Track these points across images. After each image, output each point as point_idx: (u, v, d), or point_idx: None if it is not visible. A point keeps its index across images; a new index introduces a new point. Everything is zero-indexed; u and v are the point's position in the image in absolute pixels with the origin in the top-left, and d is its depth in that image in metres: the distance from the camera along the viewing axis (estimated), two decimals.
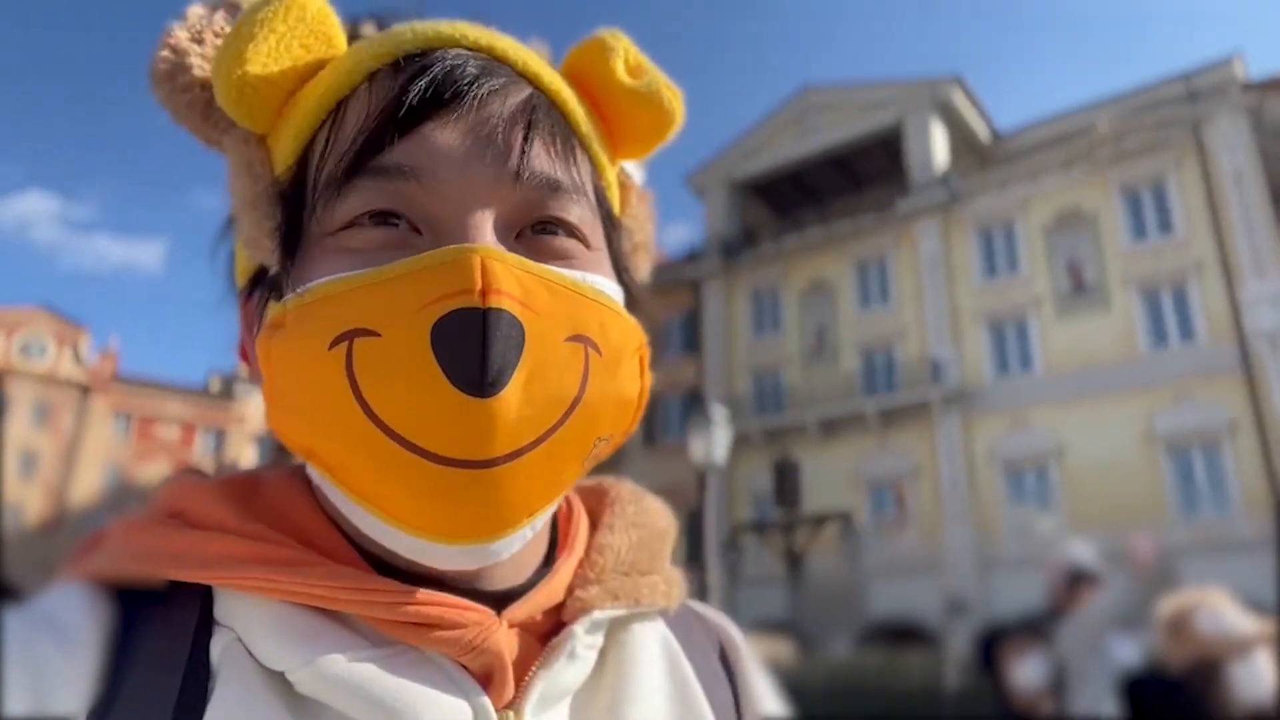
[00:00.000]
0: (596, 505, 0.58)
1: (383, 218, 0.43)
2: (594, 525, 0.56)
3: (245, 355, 0.53)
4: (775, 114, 28.96)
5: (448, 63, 0.44)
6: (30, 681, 0.39)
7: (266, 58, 0.43)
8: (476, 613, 0.45)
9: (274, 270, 0.46)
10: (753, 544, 20.38)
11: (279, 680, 0.42)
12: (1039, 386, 22.13)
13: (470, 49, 0.45)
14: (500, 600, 0.47)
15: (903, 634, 20.55)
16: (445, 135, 0.43)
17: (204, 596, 0.44)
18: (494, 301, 0.40)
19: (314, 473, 0.48)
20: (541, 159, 0.45)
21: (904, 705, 12.06)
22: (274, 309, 0.44)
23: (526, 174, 0.44)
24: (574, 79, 0.49)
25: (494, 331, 0.40)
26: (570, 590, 0.51)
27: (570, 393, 0.43)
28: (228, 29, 0.46)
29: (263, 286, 0.48)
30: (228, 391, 46.62)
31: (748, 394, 26.10)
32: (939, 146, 25.57)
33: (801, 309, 26.32)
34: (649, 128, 0.51)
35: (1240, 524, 18.71)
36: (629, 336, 0.48)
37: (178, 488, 0.50)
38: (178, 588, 0.44)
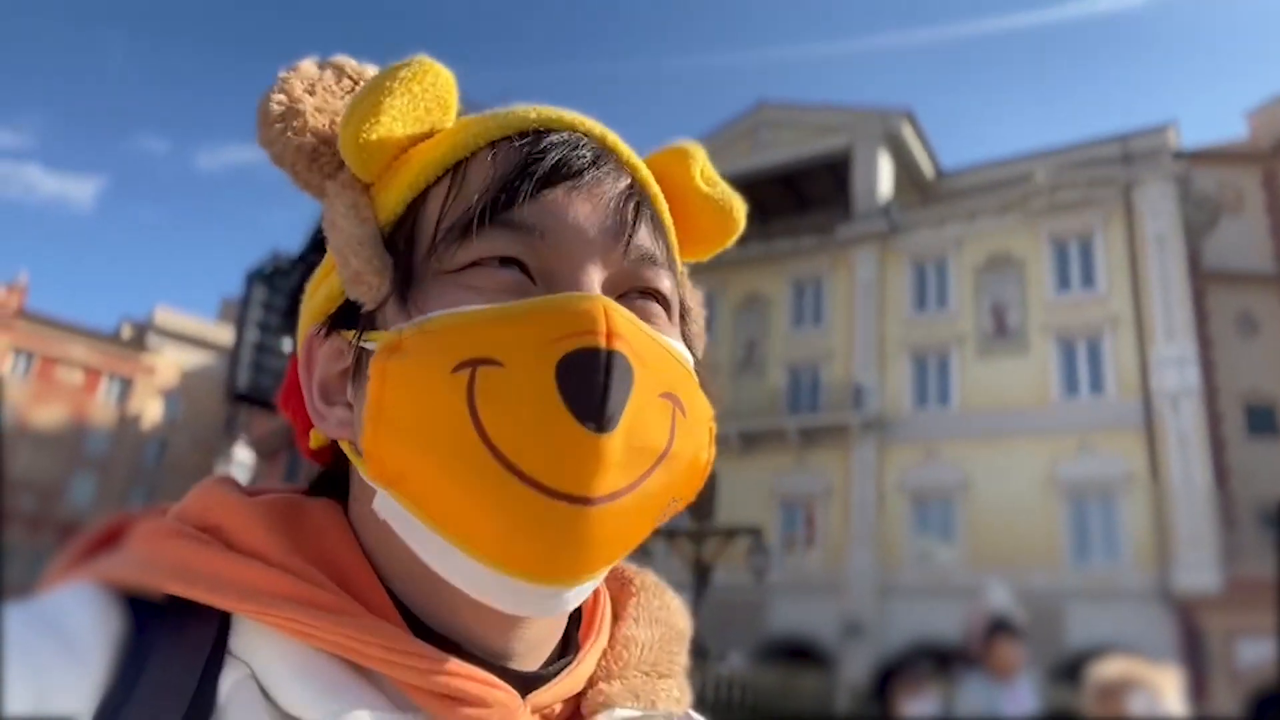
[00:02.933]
0: (619, 592, 0.58)
1: (505, 263, 0.46)
2: (616, 614, 0.56)
3: (291, 392, 0.53)
4: (729, 126, 29.13)
5: (572, 141, 0.49)
6: (31, 688, 0.38)
7: (396, 116, 0.47)
8: (504, 693, 0.45)
9: (371, 306, 0.47)
10: (661, 550, 20.49)
11: None
12: (953, 422, 22.73)
13: (584, 134, 0.50)
14: (522, 680, 0.47)
15: (798, 652, 20.91)
16: (568, 202, 0.47)
17: (220, 623, 0.44)
18: (615, 345, 0.43)
19: (380, 506, 0.46)
20: (644, 235, 0.49)
21: None
22: (386, 335, 0.45)
23: (633, 245, 0.48)
24: (657, 179, 0.53)
25: (615, 371, 0.42)
26: (592, 681, 0.51)
27: (660, 444, 0.45)
28: (335, 87, 0.51)
29: (348, 322, 0.49)
30: (139, 340, 44.86)
31: None
32: (884, 177, 26.06)
33: (735, 321, 26.55)
34: (715, 231, 0.57)
35: (1127, 574, 19.54)
36: (704, 406, 0.50)
37: (212, 499, 0.48)
38: (194, 608, 0.43)
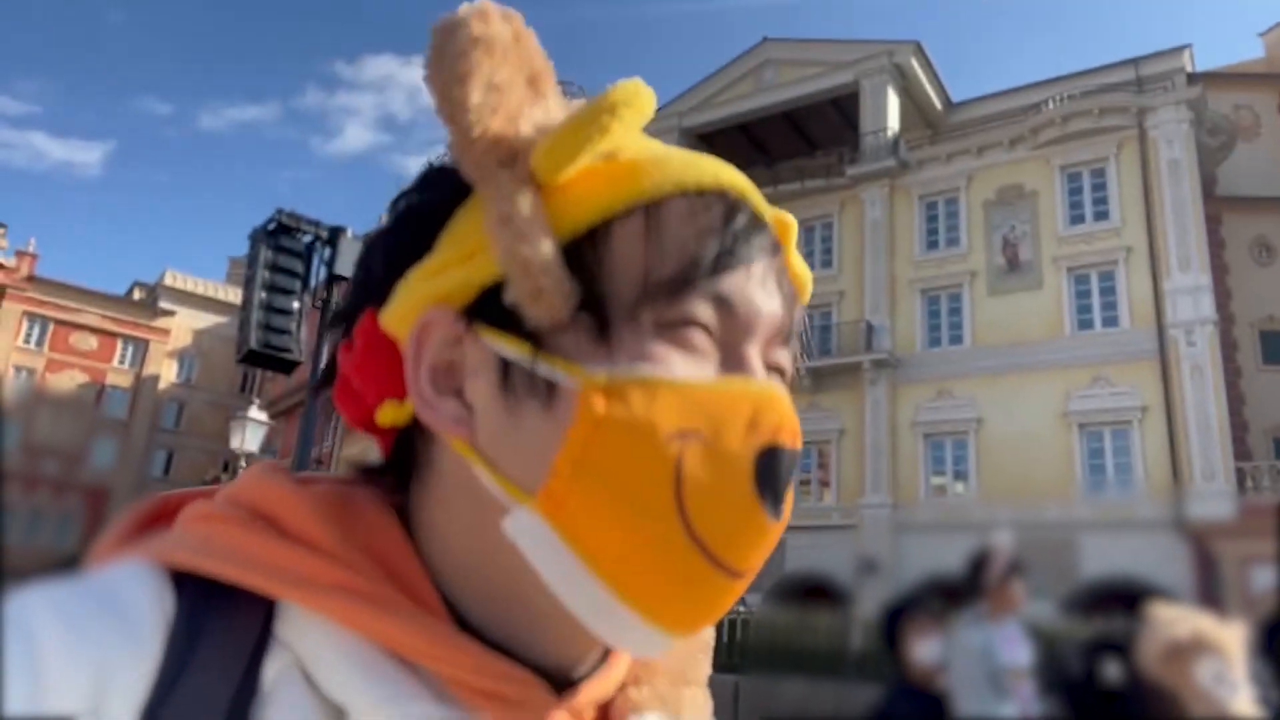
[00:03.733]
0: None
1: (702, 329, 0.48)
2: None
3: (368, 359, 0.50)
4: (732, 65, 28.62)
5: (759, 220, 0.51)
6: (92, 664, 0.39)
7: (612, 136, 0.47)
8: (543, 693, 0.47)
9: (543, 326, 0.46)
10: None
11: (335, 716, 0.43)
12: (966, 358, 22.68)
13: (755, 207, 0.51)
14: (557, 682, 0.48)
15: (814, 590, 21.18)
16: (756, 284, 0.50)
17: (266, 609, 0.44)
18: (797, 445, 0.48)
19: (517, 528, 0.46)
20: (797, 325, 0.54)
21: (810, 663, 12.44)
22: (594, 375, 0.45)
23: (791, 340, 0.53)
24: None
25: (792, 467, 0.47)
26: (622, 686, 0.53)
27: (782, 529, 0.49)
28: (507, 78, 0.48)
29: (481, 316, 0.48)
30: (151, 303, 45.00)
31: None
32: (892, 112, 25.63)
33: None
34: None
35: (1141, 505, 19.61)
36: None
37: (264, 487, 0.49)
38: (240, 593, 0.44)
